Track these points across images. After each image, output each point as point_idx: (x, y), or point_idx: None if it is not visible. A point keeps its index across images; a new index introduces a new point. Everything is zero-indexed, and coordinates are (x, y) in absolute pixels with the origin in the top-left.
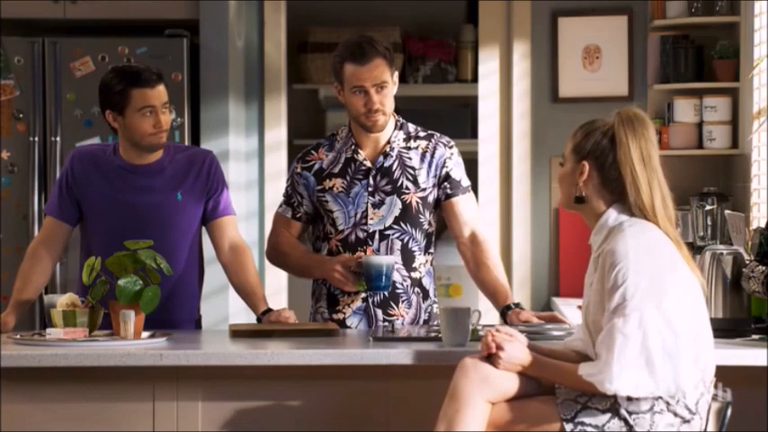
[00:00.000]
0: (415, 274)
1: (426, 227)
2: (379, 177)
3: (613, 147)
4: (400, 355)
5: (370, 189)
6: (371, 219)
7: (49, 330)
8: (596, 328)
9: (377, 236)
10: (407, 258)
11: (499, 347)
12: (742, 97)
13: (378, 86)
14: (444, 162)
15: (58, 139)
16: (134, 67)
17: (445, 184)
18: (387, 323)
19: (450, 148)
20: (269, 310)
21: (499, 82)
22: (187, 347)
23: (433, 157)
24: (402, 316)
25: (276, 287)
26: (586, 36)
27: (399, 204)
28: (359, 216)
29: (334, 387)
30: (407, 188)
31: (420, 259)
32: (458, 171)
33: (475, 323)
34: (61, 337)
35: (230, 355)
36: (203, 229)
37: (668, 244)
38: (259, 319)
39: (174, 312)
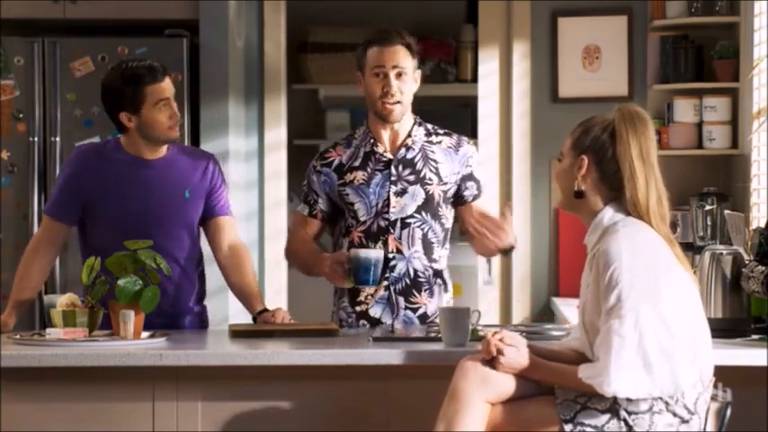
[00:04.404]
0: (435, 265)
1: (444, 221)
2: (401, 168)
3: (613, 141)
4: (399, 356)
5: (392, 179)
6: (393, 207)
7: (49, 330)
8: (593, 329)
9: (398, 224)
10: (428, 248)
11: (499, 352)
12: (742, 97)
13: (397, 71)
14: (468, 160)
15: (57, 139)
16: (138, 64)
17: (471, 183)
18: (409, 311)
19: (473, 146)
20: (265, 311)
21: (499, 82)
22: (187, 347)
23: (457, 153)
24: (425, 304)
25: (276, 287)
26: (586, 36)
27: (422, 194)
28: (380, 205)
29: (333, 387)
30: (430, 179)
31: (438, 252)
32: (479, 171)
33: (475, 323)
34: (61, 337)
35: (230, 355)
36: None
37: (662, 244)
38: (254, 319)
39: (177, 306)
